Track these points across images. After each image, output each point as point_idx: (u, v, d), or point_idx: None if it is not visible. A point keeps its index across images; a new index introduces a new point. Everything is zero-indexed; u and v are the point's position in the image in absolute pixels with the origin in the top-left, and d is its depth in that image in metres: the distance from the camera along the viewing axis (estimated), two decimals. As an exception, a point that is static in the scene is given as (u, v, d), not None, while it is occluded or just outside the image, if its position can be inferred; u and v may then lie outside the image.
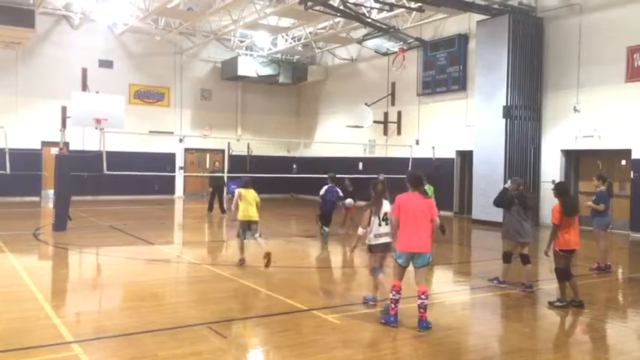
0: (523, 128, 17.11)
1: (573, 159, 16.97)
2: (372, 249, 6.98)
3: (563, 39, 16.71)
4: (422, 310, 6.18)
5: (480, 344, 5.96)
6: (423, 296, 6.16)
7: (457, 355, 5.61)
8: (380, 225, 6.87)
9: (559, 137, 16.89)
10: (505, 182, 9.57)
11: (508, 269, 8.52)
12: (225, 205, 18.46)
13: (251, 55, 25.05)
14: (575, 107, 16.28)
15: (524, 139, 17.14)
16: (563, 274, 7.42)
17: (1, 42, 19.83)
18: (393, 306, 6.27)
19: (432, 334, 6.06)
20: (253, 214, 9.68)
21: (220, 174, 20.28)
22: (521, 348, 5.76)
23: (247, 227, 9.69)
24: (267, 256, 9.22)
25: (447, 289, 8.84)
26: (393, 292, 6.26)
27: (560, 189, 7.75)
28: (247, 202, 9.67)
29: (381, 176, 12.39)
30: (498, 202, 8.64)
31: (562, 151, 16.89)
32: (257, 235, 9.78)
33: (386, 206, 6.88)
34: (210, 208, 18.61)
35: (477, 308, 7.73)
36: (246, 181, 10.24)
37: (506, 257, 8.48)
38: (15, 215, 17.31)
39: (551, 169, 16.86)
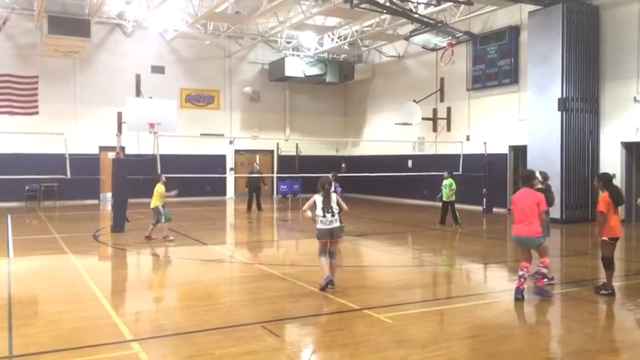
0: (580, 121, 16.52)
1: (634, 152, 16.24)
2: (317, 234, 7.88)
3: (621, 27, 16.01)
4: (538, 276, 7.67)
5: (539, 345, 5.78)
6: (540, 265, 7.55)
7: (515, 356, 5.45)
8: (324, 216, 7.71)
9: (619, 129, 16.20)
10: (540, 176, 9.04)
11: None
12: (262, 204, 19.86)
13: (298, 56, 25.17)
14: (635, 98, 15.60)
15: (582, 132, 16.54)
16: (610, 263, 7.53)
17: (59, 52, 20.66)
18: (521, 280, 7.31)
19: (489, 334, 5.92)
20: (152, 202, 12.87)
21: (259, 175, 20.36)
22: (583, 349, 5.55)
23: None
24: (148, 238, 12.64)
25: (503, 287, 8.61)
26: (520, 271, 7.39)
27: (605, 179, 7.78)
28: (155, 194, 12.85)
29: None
30: None
31: (622, 143, 16.19)
32: (161, 220, 12.72)
33: (333, 199, 7.80)
34: (249, 208, 19.59)
35: (536, 307, 7.49)
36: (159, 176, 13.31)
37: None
38: (76, 218, 18.02)
39: (611, 163, 16.18)
